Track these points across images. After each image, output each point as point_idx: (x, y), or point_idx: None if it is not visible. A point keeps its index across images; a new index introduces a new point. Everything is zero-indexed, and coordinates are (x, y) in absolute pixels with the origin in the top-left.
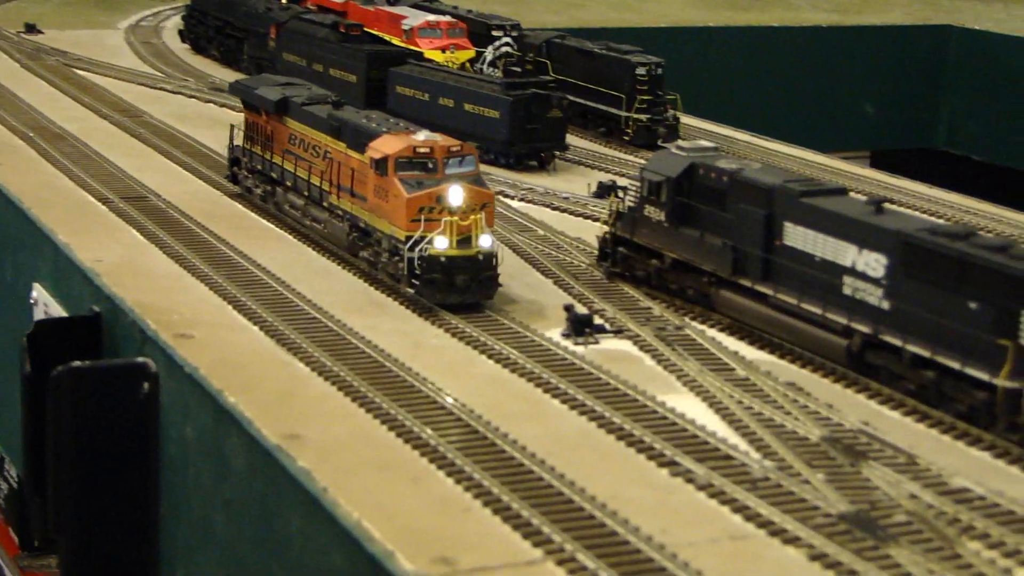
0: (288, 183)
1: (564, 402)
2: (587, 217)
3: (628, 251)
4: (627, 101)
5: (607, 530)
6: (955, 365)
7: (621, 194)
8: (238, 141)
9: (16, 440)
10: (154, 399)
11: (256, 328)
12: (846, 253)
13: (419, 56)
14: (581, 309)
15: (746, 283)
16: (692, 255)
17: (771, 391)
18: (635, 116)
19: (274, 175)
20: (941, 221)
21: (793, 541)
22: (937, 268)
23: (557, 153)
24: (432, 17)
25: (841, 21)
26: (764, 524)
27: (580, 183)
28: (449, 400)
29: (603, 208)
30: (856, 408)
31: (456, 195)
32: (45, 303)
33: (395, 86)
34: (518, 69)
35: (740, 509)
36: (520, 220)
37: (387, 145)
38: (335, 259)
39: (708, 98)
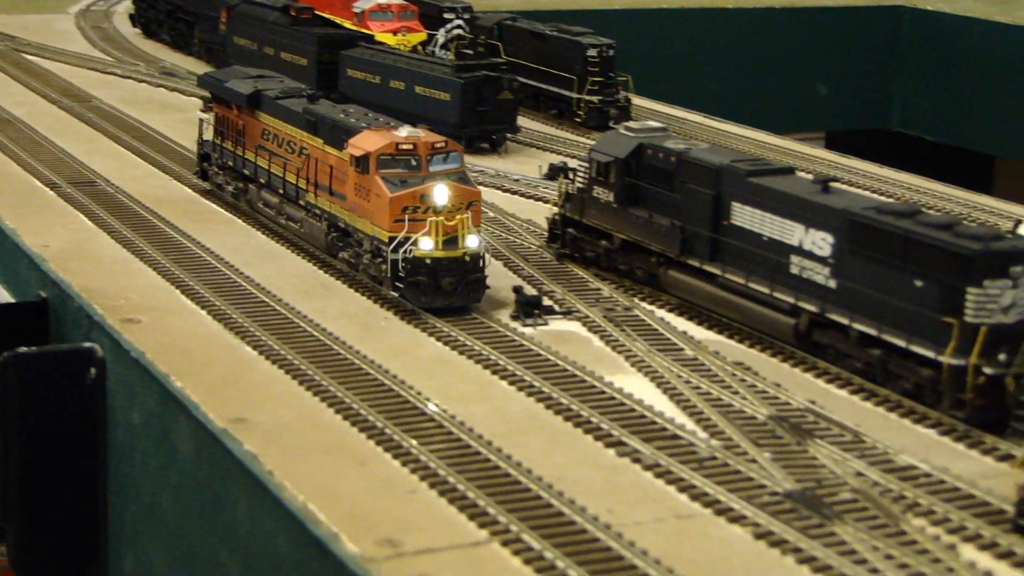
0: (262, 180)
1: (512, 383)
2: (538, 199)
3: (577, 232)
4: (578, 83)
5: (553, 511)
6: (901, 343)
7: (570, 175)
8: (208, 136)
9: None
10: (101, 384)
11: (204, 312)
12: (793, 232)
13: (370, 39)
14: (530, 291)
15: (694, 263)
16: (640, 235)
17: (719, 371)
18: (586, 98)
19: (247, 172)
20: (888, 200)
21: (739, 520)
22: (883, 246)
23: (508, 135)
24: (383, 0)
25: (794, 2)
26: (710, 503)
27: (531, 165)
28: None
29: (554, 190)
30: (803, 387)
31: (441, 194)
32: None
33: (346, 69)
34: (470, 52)
35: (686, 488)
36: None
37: (368, 142)
38: (285, 243)
39: (661, 80)
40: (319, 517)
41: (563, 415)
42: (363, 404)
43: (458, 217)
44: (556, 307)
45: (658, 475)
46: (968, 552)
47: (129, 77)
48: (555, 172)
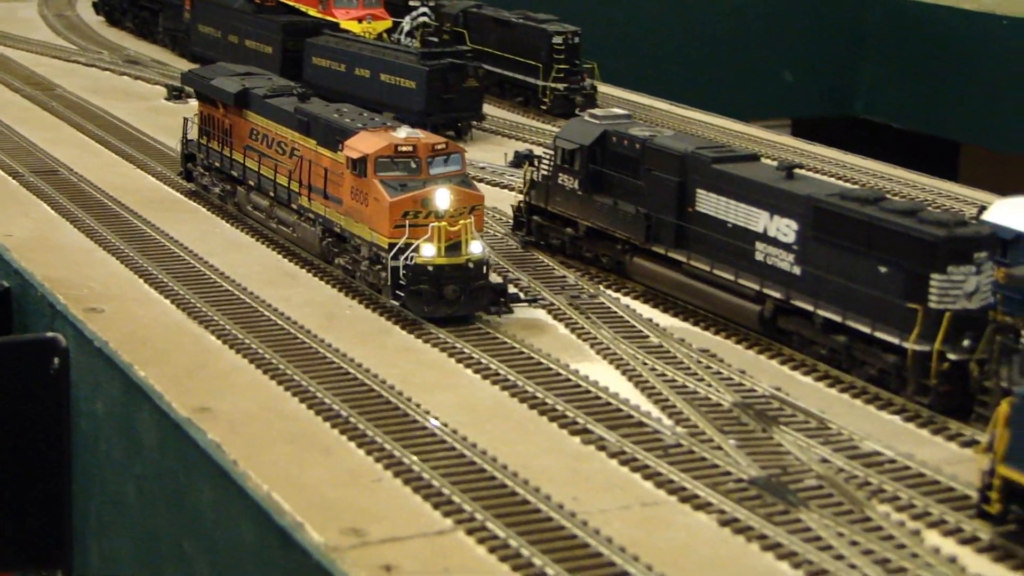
0: (251, 182)
1: (477, 371)
2: (503, 187)
3: (543, 220)
4: (544, 70)
5: (518, 499)
6: (866, 329)
7: (536, 163)
8: (192, 135)
9: None
10: (64, 374)
11: (167, 301)
12: (758, 219)
13: (335, 27)
14: (495, 279)
15: (660, 250)
16: (606, 223)
17: (684, 358)
18: (552, 85)
19: (234, 173)
20: (852, 186)
21: (704, 507)
22: (847, 233)
23: (474, 123)
24: None
25: None
26: (675, 490)
27: (497, 153)
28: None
29: (519, 178)
30: (768, 373)
31: (443, 198)
32: None
33: (311, 57)
34: (435, 39)
35: (651, 476)
36: None
37: (365, 143)
38: (249, 232)
39: (627, 67)
40: (283, 506)
41: (528, 403)
42: (327, 393)
43: (461, 222)
44: (522, 295)
45: (623, 463)
46: (933, 538)
47: (93, 65)
48: (520, 160)
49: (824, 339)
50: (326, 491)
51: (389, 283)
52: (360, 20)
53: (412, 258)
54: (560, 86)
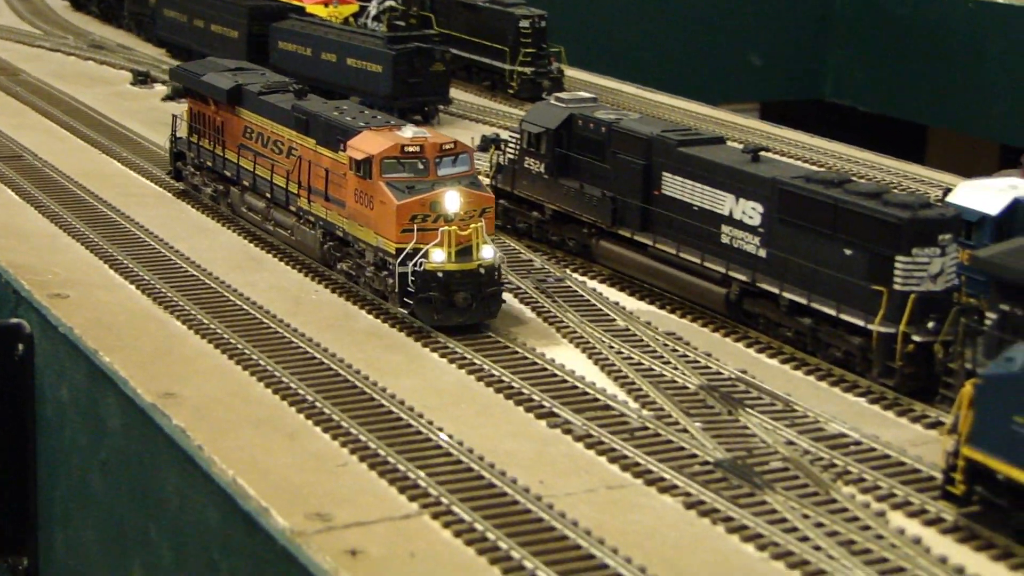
0: (245, 183)
1: (443, 355)
2: None
3: (509, 204)
4: (511, 54)
5: (484, 482)
6: (831, 311)
7: (502, 147)
8: (182, 133)
9: None
10: (29, 360)
11: (132, 287)
12: (723, 202)
13: (302, 11)
14: None
15: (626, 233)
16: (572, 206)
17: (650, 341)
18: (519, 69)
19: (228, 173)
20: (818, 169)
21: (670, 490)
22: (812, 215)
23: (441, 107)
24: None
25: None
26: (641, 473)
27: (464, 137)
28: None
29: (486, 162)
30: (734, 356)
31: (453, 200)
32: None
33: (277, 42)
34: (402, 23)
35: (617, 459)
36: None
37: (369, 143)
38: (216, 216)
39: (594, 50)
40: (249, 492)
41: (494, 387)
42: (293, 378)
43: (472, 226)
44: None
45: (589, 446)
46: (897, 519)
47: (58, 50)
48: (487, 144)
49: (790, 321)
50: (292, 476)
51: (396, 290)
52: (326, 4)
53: (421, 264)
54: (527, 70)
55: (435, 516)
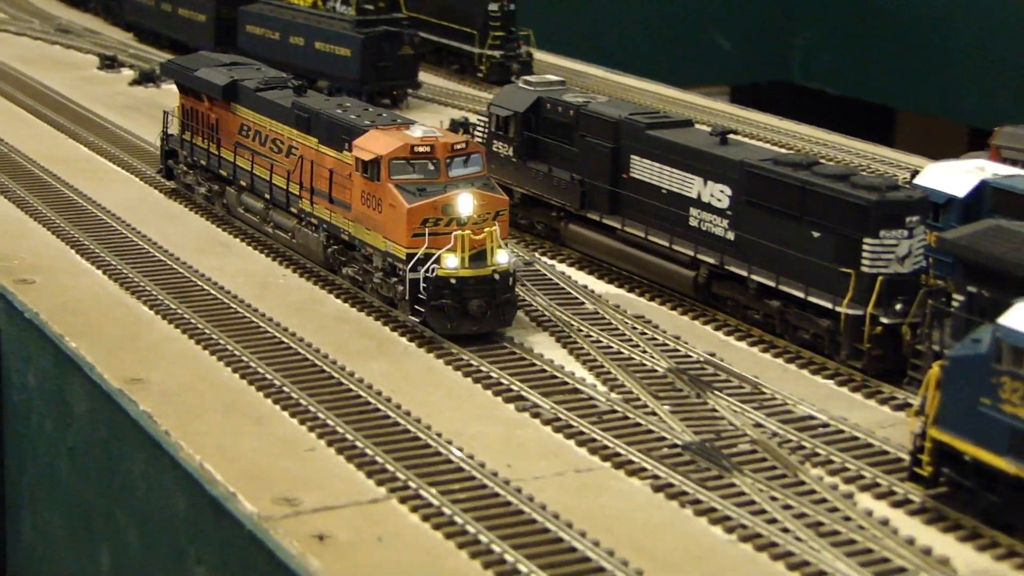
0: (243, 182)
1: (412, 339)
2: None
3: None
4: (480, 38)
5: (452, 466)
6: (799, 294)
7: (470, 130)
8: (173, 130)
9: None
10: None
11: (99, 272)
12: (692, 185)
13: None
14: None
15: (594, 217)
16: (541, 190)
17: (619, 324)
18: (488, 53)
19: (223, 172)
20: (787, 151)
21: (638, 472)
22: (780, 198)
23: (410, 91)
24: None
25: None
26: (609, 456)
27: (433, 120)
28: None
29: None
30: (703, 339)
31: (466, 203)
32: None
33: (245, 25)
34: (370, 7)
35: (586, 442)
36: None
37: (377, 143)
38: (183, 201)
39: (564, 34)
40: (216, 477)
41: (463, 371)
42: (261, 363)
43: (486, 230)
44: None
45: (557, 429)
46: (865, 501)
47: (24, 34)
48: (456, 128)
49: (758, 304)
50: (259, 461)
51: (407, 297)
52: None
53: (433, 270)
54: (496, 53)
55: (403, 500)
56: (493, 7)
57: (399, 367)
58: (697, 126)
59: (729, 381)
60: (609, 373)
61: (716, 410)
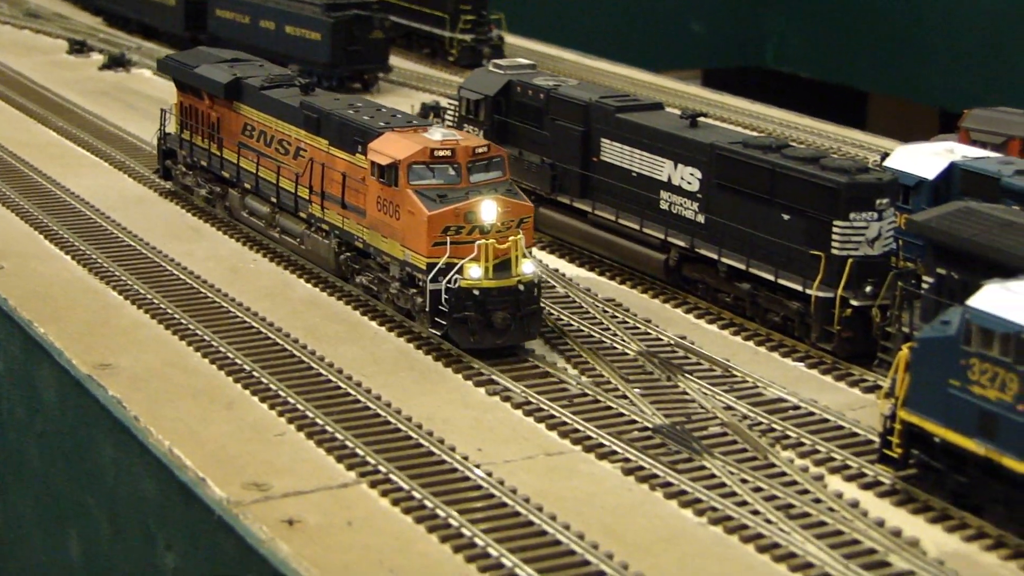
0: (247, 185)
1: (382, 323)
2: None
3: None
4: (451, 21)
5: (423, 451)
6: (769, 277)
7: (441, 114)
8: (171, 128)
9: None
10: None
11: (68, 257)
12: (662, 168)
13: None
14: None
15: (565, 200)
16: (511, 173)
17: (590, 307)
18: (459, 36)
19: (226, 174)
20: (757, 134)
21: (608, 456)
22: (750, 181)
23: (380, 75)
24: None
25: None
26: (580, 440)
27: (404, 105)
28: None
29: None
30: (674, 322)
31: (490, 210)
32: None
33: (215, 9)
34: None
35: (556, 426)
36: None
37: (394, 147)
38: (152, 187)
39: (535, 17)
40: (185, 462)
41: (433, 355)
42: (231, 348)
43: (512, 239)
44: None
45: (528, 413)
46: (835, 483)
47: None
48: (427, 111)
49: (728, 287)
50: (229, 446)
51: (428, 309)
52: None
53: (455, 280)
54: (467, 37)
55: (373, 485)
56: None
57: (370, 351)
58: (668, 109)
59: (700, 364)
60: (580, 356)
61: (687, 393)
